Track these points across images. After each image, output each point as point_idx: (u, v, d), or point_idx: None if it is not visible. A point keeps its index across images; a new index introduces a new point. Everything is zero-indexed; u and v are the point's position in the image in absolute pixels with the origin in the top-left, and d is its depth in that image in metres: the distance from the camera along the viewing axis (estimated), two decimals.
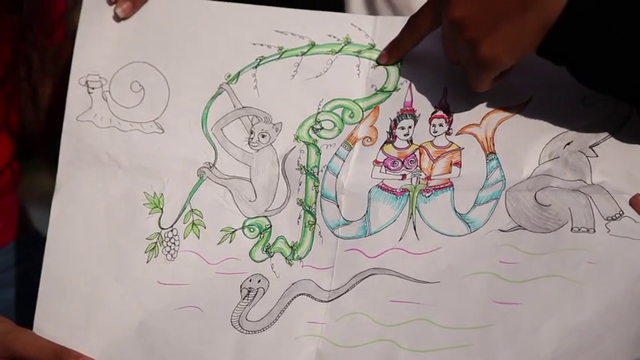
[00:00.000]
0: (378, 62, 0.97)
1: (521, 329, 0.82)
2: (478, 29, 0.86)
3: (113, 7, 0.99)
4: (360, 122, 0.97)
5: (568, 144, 0.90)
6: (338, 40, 0.99)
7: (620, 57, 0.83)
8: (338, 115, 0.97)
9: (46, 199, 0.98)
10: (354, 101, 0.97)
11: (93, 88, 0.99)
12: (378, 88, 0.97)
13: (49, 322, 0.94)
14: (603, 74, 0.85)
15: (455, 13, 0.88)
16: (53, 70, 1.14)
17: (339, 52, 0.99)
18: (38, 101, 1.17)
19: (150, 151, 0.98)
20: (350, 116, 0.97)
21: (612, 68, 0.84)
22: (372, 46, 0.98)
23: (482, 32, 0.86)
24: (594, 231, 0.86)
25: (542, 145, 0.91)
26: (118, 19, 1.00)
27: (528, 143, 0.91)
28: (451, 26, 0.89)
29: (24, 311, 1.10)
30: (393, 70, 0.97)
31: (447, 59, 0.93)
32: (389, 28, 0.97)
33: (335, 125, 0.97)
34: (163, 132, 0.98)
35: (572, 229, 0.86)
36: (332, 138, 0.97)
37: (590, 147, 0.90)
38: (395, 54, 0.97)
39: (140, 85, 0.99)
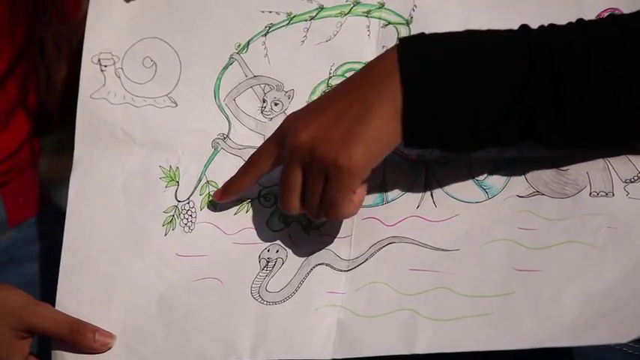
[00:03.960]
0: (212, 201, 0.95)
1: (542, 296, 0.82)
2: (331, 142, 0.84)
3: None
4: None
5: None
6: (347, 1, 0.98)
7: (475, 111, 0.82)
8: None
9: (67, 177, 0.98)
10: (365, 63, 0.96)
11: (106, 66, 0.99)
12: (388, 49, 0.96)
13: (71, 297, 0.94)
14: (475, 138, 0.84)
15: (302, 137, 0.85)
16: (68, 52, 1.15)
17: (348, 13, 0.98)
18: (53, 81, 1.17)
19: (164, 126, 0.98)
20: None
21: (479, 127, 0.83)
22: (382, 5, 0.97)
23: (335, 143, 0.83)
24: (613, 195, 0.85)
25: None
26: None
27: None
28: (299, 153, 0.85)
29: (46, 285, 1.12)
30: (404, 30, 0.96)
31: (286, 210, 0.89)
32: None
33: None
34: (177, 106, 0.98)
35: (590, 193, 0.86)
36: None
37: None
38: (231, 192, 0.95)
39: (152, 61, 0.99)
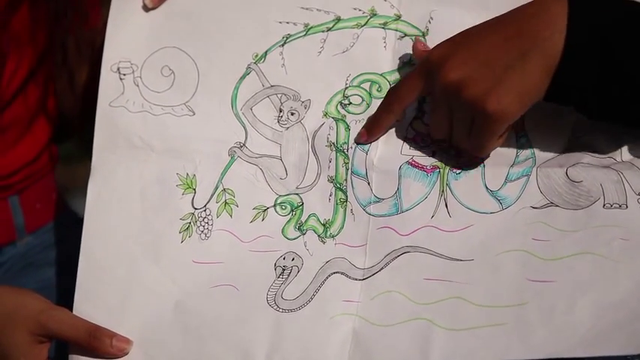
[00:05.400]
0: (357, 142, 0.96)
1: (556, 307, 0.83)
2: (480, 86, 0.83)
3: None
4: None
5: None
6: (363, 12, 0.99)
7: (628, 86, 0.82)
8: (366, 90, 0.97)
9: (84, 183, 0.99)
10: (381, 75, 0.97)
11: (125, 74, 1.00)
12: (405, 61, 0.96)
13: (88, 303, 0.95)
14: (615, 107, 0.83)
15: (450, 76, 0.85)
16: (89, 55, 1.16)
17: (364, 25, 0.99)
18: (75, 86, 1.18)
19: (181, 134, 0.99)
20: (378, 90, 0.97)
21: (623, 99, 0.83)
22: (398, 17, 0.98)
23: (485, 88, 0.83)
24: (626, 207, 0.86)
25: (572, 123, 0.91)
26: (146, 9, 1.00)
27: (558, 121, 0.91)
28: (447, 91, 0.86)
29: (63, 290, 1.13)
30: None
31: (433, 134, 0.91)
32: None
33: (363, 100, 0.97)
34: (194, 114, 0.99)
35: (604, 205, 0.86)
36: (360, 113, 0.97)
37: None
38: (375, 131, 0.95)
39: (170, 70, 1.00)
